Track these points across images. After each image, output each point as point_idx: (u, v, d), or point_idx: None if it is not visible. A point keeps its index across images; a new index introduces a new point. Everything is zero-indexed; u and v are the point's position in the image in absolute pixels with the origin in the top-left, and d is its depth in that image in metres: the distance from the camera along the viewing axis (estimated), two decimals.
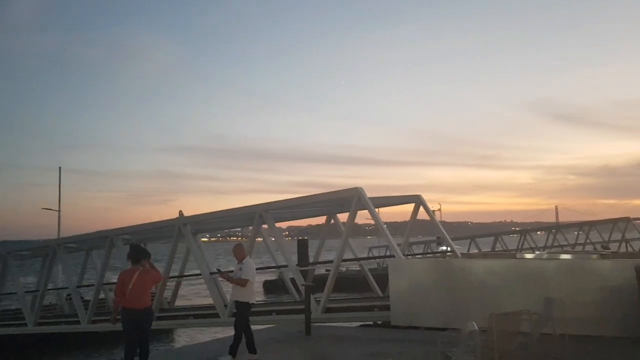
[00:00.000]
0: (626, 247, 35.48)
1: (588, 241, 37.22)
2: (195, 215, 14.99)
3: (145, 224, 16.18)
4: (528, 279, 10.03)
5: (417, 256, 19.73)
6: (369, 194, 12.57)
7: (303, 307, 12.60)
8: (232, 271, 9.51)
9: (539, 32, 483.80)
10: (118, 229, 16.37)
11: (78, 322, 16.20)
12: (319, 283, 13.25)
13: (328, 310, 12.61)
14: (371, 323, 13.09)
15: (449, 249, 15.28)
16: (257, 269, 9.83)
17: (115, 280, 9.09)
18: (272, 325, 12.78)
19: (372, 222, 14.84)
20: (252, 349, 8.69)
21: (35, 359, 19.34)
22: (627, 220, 37.21)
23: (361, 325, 13.07)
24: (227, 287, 11.28)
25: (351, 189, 12.64)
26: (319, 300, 12.42)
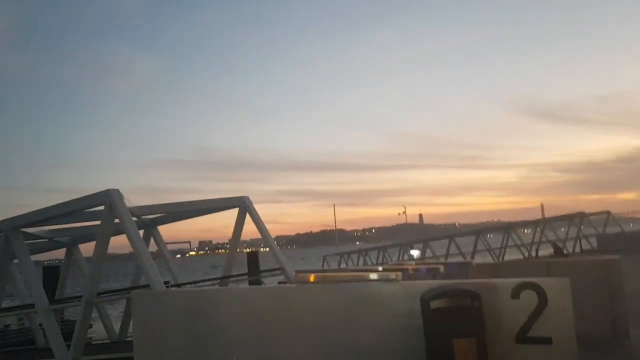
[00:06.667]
0: (580, 245, 32.07)
1: (544, 239, 34.28)
2: None
3: None
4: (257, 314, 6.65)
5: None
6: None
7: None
8: None
9: (519, 31, 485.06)
10: None
11: None
12: None
13: None
14: None
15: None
16: None
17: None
18: None
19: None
20: None
21: None
22: (581, 215, 33.82)
23: None
24: None
25: (100, 192, 9.04)
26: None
